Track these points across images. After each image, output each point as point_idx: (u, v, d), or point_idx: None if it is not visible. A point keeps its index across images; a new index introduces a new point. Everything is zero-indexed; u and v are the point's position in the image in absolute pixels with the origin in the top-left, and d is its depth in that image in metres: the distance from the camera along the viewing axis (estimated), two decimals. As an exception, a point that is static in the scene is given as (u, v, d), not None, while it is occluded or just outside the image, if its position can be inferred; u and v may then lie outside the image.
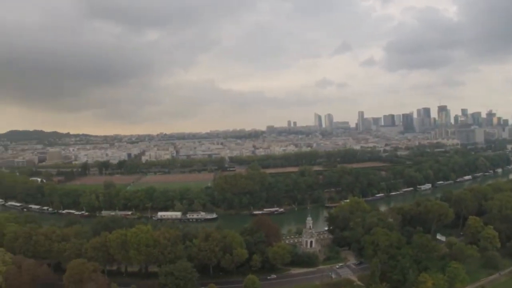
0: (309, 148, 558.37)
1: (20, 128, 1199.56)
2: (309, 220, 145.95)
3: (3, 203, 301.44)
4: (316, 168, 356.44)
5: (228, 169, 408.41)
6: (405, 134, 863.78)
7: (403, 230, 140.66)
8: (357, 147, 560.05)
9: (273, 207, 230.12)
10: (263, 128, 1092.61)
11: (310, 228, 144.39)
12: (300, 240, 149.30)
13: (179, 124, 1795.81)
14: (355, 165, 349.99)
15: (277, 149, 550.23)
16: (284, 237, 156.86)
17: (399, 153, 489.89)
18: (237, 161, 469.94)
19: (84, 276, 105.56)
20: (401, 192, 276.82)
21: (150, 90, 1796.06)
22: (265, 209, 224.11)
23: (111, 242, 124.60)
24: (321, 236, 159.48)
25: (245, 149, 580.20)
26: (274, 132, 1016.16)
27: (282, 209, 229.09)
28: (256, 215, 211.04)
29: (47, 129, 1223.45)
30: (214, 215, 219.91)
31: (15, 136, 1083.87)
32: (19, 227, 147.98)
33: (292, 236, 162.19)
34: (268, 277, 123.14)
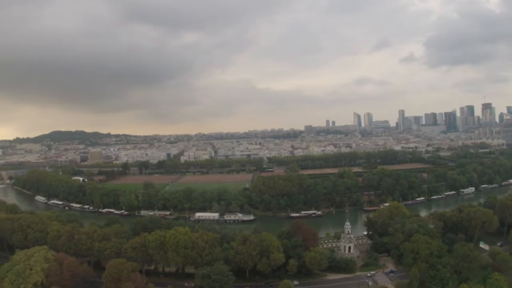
0: (348, 149, 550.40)
1: (63, 129, 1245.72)
2: (348, 225, 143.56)
3: (46, 201, 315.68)
4: (356, 169, 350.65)
5: (266, 169, 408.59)
6: (447, 134, 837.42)
7: (444, 237, 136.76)
8: (398, 147, 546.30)
9: (311, 209, 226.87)
10: (301, 128, 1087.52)
11: (348, 233, 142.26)
12: (338, 245, 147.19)
13: (217, 124, 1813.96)
14: (395, 167, 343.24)
15: (316, 150, 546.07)
16: (321, 241, 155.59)
17: (441, 154, 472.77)
18: (275, 161, 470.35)
19: (123, 275, 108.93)
20: (443, 196, 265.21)
21: (188, 91, 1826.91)
22: (302, 212, 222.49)
23: (150, 243, 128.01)
24: (360, 241, 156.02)
25: (283, 150, 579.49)
26: (313, 132, 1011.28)
27: (320, 212, 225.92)
28: (293, 217, 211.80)
29: (89, 129, 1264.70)
30: (252, 217, 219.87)
31: (58, 137, 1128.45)
32: (62, 226, 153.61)
33: (330, 241, 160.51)
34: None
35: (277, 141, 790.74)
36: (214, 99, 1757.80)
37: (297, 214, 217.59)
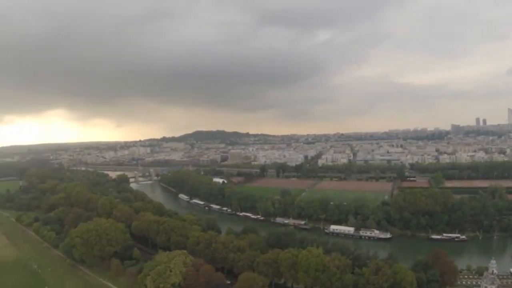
0: (502, 156, 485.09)
1: (205, 129, 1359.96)
2: (493, 264, 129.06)
3: (188, 200, 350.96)
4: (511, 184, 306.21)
5: (407, 178, 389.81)
6: None
7: None
8: None
9: (454, 232, 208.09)
10: (448, 127, 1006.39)
11: (492, 273, 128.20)
12: (479, 283, 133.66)
13: (355, 123, 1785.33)
14: None
15: (464, 156, 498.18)
16: (461, 276, 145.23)
17: None
18: (418, 168, 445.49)
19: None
20: None
21: (324, 89, 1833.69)
22: (444, 234, 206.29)
23: (282, 261, 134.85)
24: (505, 282, 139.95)
25: (427, 154, 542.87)
26: (460, 132, 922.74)
27: (464, 237, 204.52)
28: (433, 240, 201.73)
29: (229, 129, 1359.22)
30: (388, 235, 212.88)
31: (200, 136, 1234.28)
32: (201, 233, 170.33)
33: (471, 276, 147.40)
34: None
35: (420, 143, 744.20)
36: (351, 97, 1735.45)
37: (438, 236, 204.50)
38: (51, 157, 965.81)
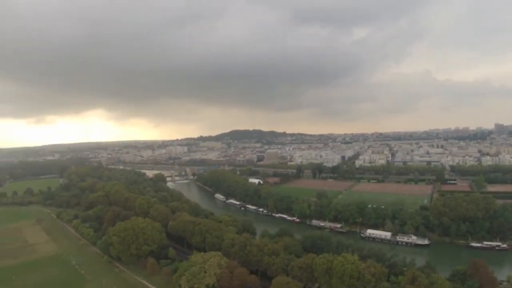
0: None
1: (241, 128, 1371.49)
2: None
3: (224, 200, 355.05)
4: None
5: (448, 181, 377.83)
6: None
7: None
8: None
9: (495, 240, 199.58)
10: (491, 126, 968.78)
11: None
12: None
13: (394, 122, 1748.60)
14: None
15: (507, 157, 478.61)
16: (500, 287, 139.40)
17: None
18: (459, 170, 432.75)
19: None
20: None
21: (362, 87, 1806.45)
22: (484, 242, 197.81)
23: (316, 266, 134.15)
24: None
25: (468, 156, 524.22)
26: (504, 132, 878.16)
27: (505, 245, 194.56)
28: (473, 247, 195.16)
29: (265, 128, 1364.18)
30: (426, 241, 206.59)
31: (237, 135, 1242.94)
32: (236, 235, 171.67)
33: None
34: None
35: (461, 143, 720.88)
36: (390, 95, 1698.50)
37: (478, 244, 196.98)
38: (90, 156, 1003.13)
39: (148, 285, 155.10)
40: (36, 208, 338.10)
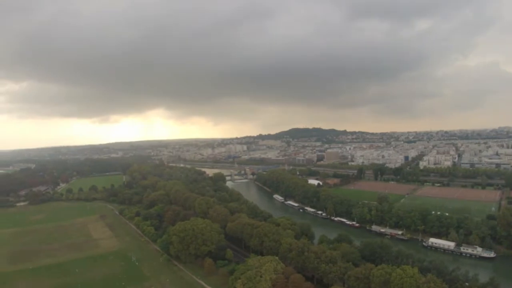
0: None
1: (301, 126, 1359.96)
2: None
3: (283, 201, 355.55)
4: None
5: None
6: None
7: None
8: None
9: None
10: None
11: None
12: None
13: (460, 119, 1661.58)
14: None
15: None
16: None
17: None
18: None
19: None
20: None
21: (427, 82, 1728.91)
22: None
23: (374, 277, 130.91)
24: None
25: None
26: None
27: None
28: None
29: (325, 126, 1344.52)
30: (492, 254, 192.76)
31: (296, 133, 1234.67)
32: (294, 240, 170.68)
33: None
34: None
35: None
36: (456, 89, 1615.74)
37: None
38: (152, 153, 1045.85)
39: (204, 285, 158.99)
40: (100, 204, 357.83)
